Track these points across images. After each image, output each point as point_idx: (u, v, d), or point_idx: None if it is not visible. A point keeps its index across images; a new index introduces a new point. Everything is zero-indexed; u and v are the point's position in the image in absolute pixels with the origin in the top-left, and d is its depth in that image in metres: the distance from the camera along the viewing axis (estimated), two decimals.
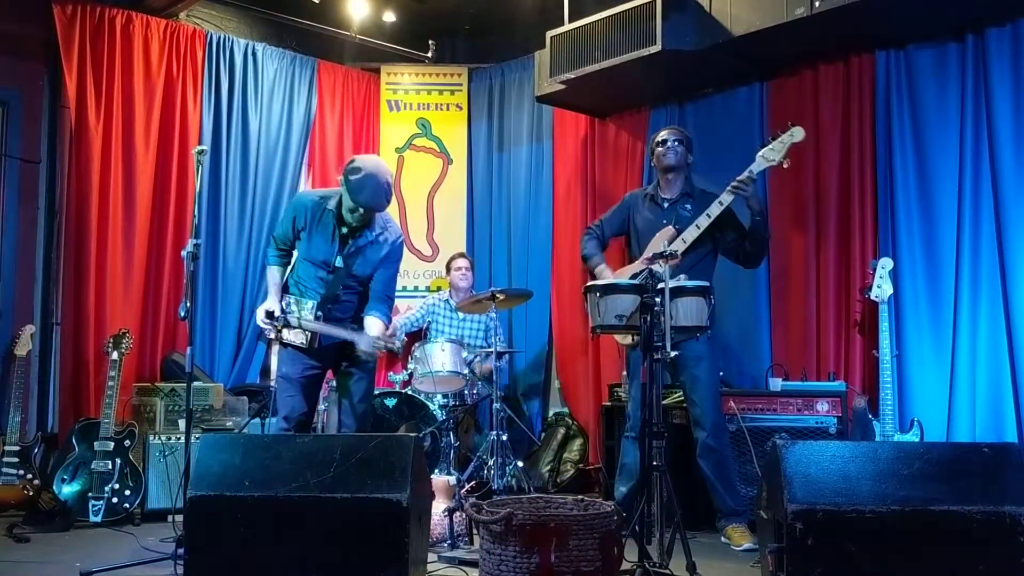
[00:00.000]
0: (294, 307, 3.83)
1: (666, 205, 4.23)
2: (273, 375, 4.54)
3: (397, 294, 6.13)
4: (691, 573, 3.03)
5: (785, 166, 4.00)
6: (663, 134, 4.29)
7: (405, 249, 6.11)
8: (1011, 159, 4.07)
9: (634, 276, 4.06)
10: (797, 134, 3.95)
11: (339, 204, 3.78)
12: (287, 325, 3.80)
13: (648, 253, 3.97)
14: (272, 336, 3.92)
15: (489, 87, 6.43)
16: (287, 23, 6.06)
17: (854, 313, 4.48)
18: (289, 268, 4.00)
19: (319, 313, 3.82)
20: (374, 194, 3.67)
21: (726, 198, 3.98)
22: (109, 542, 3.99)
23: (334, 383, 5.29)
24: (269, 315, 3.79)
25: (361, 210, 3.70)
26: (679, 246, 3.93)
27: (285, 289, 3.93)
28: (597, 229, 4.41)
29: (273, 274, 3.96)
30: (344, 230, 3.80)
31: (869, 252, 4.43)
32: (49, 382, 5.00)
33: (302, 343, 3.81)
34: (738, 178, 3.96)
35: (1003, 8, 4.06)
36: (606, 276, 4.15)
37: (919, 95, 4.37)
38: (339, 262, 3.80)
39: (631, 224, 4.34)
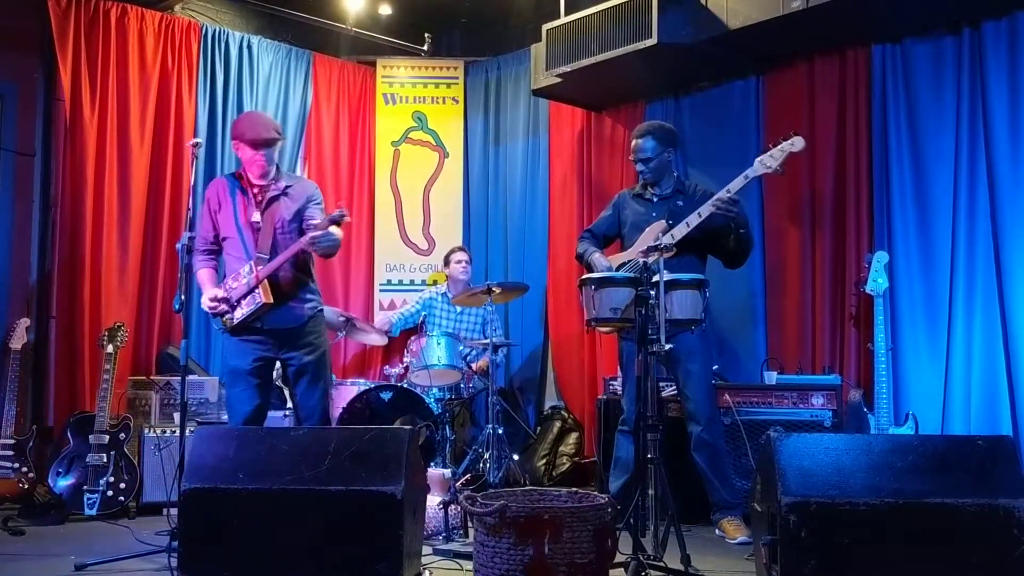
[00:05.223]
0: (234, 281, 3.83)
1: (656, 200, 4.22)
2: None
3: (393, 289, 6.21)
4: (685, 566, 3.03)
5: (780, 173, 3.98)
6: (636, 147, 4.19)
7: (402, 244, 6.23)
8: (1007, 152, 4.07)
9: (623, 265, 4.07)
10: (797, 143, 3.89)
11: (241, 172, 3.96)
12: (234, 305, 3.81)
13: (641, 246, 3.95)
14: (224, 320, 3.87)
15: (485, 80, 6.42)
16: (283, 16, 6.03)
17: (849, 307, 4.48)
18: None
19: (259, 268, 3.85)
20: (253, 123, 3.94)
21: (705, 211, 3.91)
22: (104, 535, 3.99)
23: (333, 378, 5.32)
24: (214, 297, 3.80)
25: (262, 150, 3.83)
26: (669, 242, 3.89)
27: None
28: (589, 235, 4.39)
29: (206, 275, 3.96)
30: (255, 189, 3.92)
31: (864, 245, 4.43)
32: (44, 376, 4.98)
33: (259, 302, 3.75)
34: (718, 196, 3.88)
35: (999, 1, 4.05)
36: (597, 262, 4.13)
37: (915, 88, 4.37)
38: (257, 217, 3.88)
39: (620, 222, 4.32)
